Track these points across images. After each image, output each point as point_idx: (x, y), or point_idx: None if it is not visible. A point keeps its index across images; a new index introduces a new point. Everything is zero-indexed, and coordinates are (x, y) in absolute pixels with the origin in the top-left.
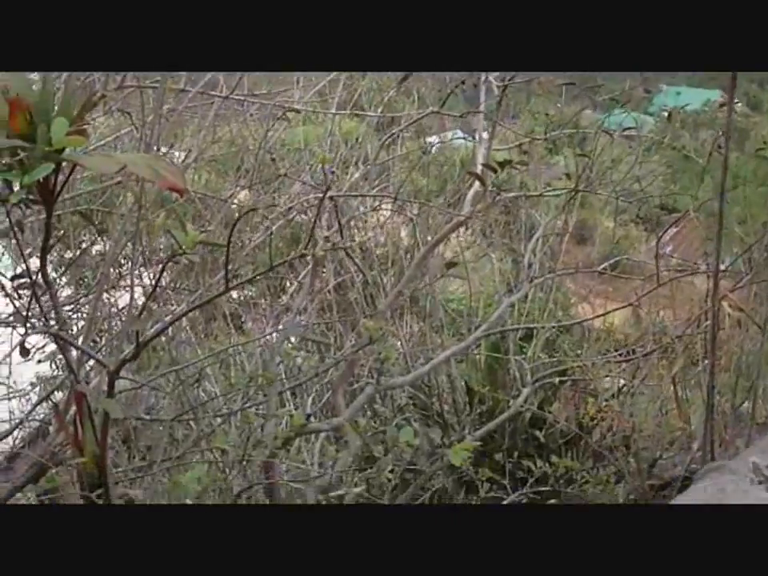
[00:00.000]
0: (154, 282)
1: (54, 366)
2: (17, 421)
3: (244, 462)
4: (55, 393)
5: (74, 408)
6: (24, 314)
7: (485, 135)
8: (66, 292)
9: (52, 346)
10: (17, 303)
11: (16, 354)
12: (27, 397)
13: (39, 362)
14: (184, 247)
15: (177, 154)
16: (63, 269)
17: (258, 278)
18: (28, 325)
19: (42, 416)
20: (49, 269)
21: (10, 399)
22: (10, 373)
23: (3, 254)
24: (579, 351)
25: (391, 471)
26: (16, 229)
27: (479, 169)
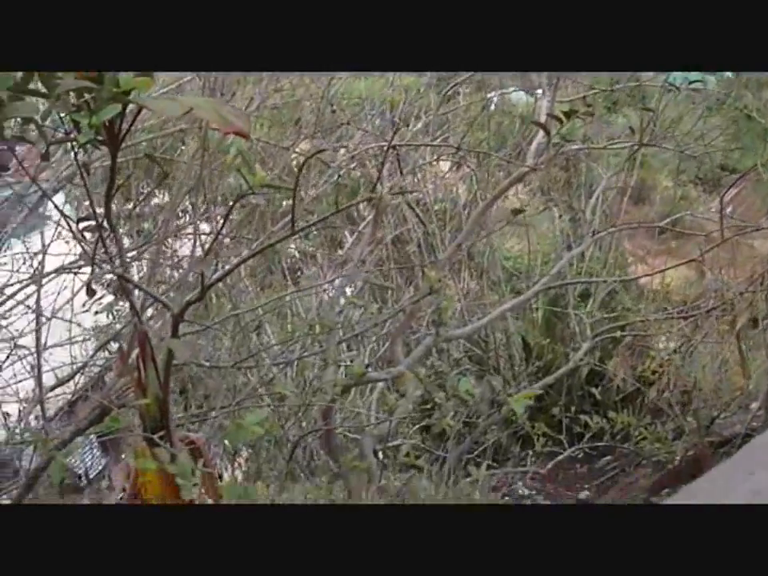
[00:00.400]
0: (217, 229)
1: (111, 317)
2: (79, 365)
3: (300, 413)
4: (112, 343)
5: (136, 351)
6: (90, 255)
7: (547, 88)
8: (125, 242)
9: (109, 298)
10: (83, 246)
11: (76, 304)
12: (90, 341)
13: (96, 312)
14: (252, 187)
15: (237, 105)
16: (123, 220)
17: (321, 225)
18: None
19: (100, 364)
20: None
21: (72, 344)
22: (72, 316)
23: (65, 203)
24: (638, 309)
25: (452, 418)
26: (83, 170)
27: (543, 119)
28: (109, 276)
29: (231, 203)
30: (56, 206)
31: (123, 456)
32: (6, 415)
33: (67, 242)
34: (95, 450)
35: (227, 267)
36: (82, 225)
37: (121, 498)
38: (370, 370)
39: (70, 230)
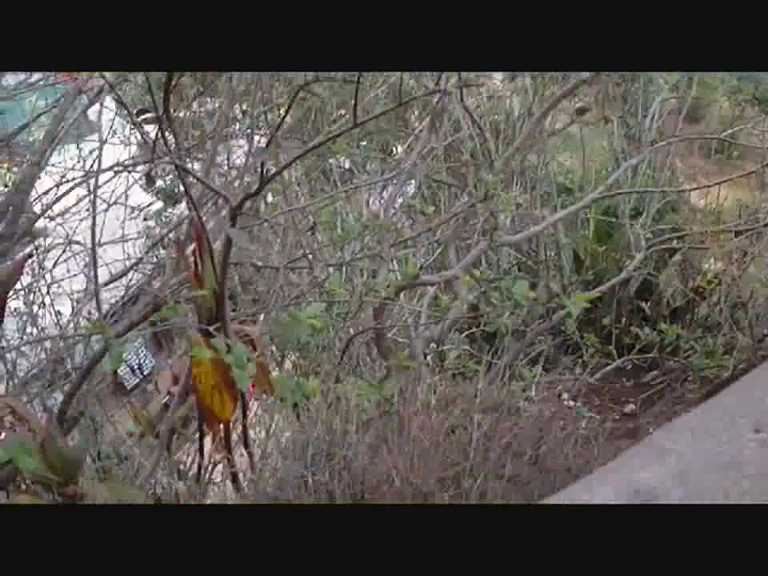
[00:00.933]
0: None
1: (160, 222)
2: (133, 261)
3: (352, 315)
4: (161, 248)
5: (191, 247)
6: (150, 145)
7: None
8: None
9: (158, 205)
10: (143, 136)
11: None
12: (142, 239)
13: (145, 219)
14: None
15: None
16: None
17: (383, 119)
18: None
19: (153, 262)
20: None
21: (125, 241)
22: (125, 218)
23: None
24: (691, 227)
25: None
26: None
27: None
28: (159, 183)
29: (296, 90)
30: (118, 96)
31: (170, 361)
32: (59, 314)
33: (121, 141)
34: (148, 350)
35: (285, 161)
36: (140, 117)
37: (166, 401)
38: (422, 273)
39: (131, 120)
